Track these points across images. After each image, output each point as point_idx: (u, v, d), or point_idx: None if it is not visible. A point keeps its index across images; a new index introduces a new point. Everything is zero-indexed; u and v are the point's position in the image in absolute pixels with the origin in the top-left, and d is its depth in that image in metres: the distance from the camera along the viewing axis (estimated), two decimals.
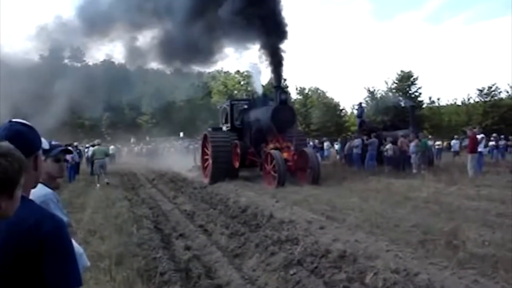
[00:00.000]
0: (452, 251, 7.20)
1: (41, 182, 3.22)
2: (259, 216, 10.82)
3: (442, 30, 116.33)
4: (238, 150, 20.44)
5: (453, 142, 34.61)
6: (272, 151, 18.10)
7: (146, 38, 27.20)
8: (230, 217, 11.44)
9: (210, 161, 21.23)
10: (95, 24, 26.31)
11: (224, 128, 23.22)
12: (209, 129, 23.78)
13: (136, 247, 8.55)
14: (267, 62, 20.14)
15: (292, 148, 18.60)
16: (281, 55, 19.76)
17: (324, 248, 7.41)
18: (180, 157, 34.46)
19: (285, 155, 18.03)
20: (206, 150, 22.26)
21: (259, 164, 19.87)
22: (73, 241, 3.22)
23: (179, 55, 25.91)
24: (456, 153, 32.78)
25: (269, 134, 19.58)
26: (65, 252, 2.04)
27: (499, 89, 63.90)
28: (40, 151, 2.26)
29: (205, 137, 22.70)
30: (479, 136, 21.76)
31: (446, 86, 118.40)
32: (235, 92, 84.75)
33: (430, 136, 28.98)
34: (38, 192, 3.21)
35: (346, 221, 9.99)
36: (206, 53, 25.07)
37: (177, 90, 68.53)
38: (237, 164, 20.62)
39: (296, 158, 18.35)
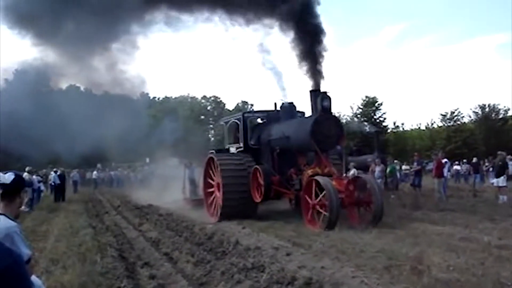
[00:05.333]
0: (417, 276, 7.25)
1: (2, 214, 3.18)
2: (225, 243, 10.73)
3: (404, 55, 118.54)
4: (260, 179, 15.65)
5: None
6: (318, 177, 13.36)
7: None
8: (196, 244, 11.32)
9: (219, 193, 16.48)
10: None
11: (233, 149, 18.44)
12: (212, 151, 18.77)
13: (100, 276, 8.36)
14: (299, 58, 15.31)
15: (344, 174, 14.49)
16: (320, 47, 15.02)
17: (290, 275, 7.36)
18: (156, 185, 29.08)
19: (334, 183, 13.15)
20: (210, 180, 17.67)
21: (293, 197, 15.33)
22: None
23: None
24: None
25: (302, 156, 15.60)
26: None
27: (461, 113, 65.44)
28: None
29: (209, 161, 17.66)
30: (443, 161, 22.14)
31: (410, 111, 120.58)
32: (202, 117, 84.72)
33: (396, 161, 29.23)
34: (2, 225, 3.17)
35: (312, 247, 9.99)
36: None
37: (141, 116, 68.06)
38: (258, 197, 15.82)
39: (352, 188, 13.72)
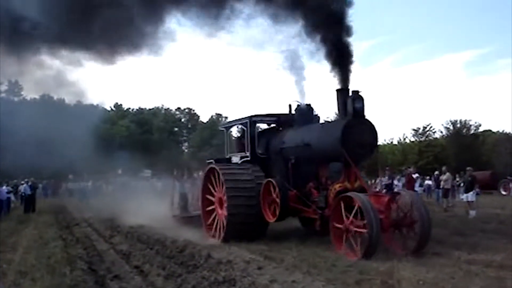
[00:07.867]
0: None
1: None
2: (197, 256, 10.68)
3: (376, 71, 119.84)
4: (274, 194, 13.18)
5: None
6: (353, 194, 10.89)
7: None
8: (167, 257, 11.23)
9: (223, 210, 14.11)
10: None
11: (236, 159, 15.56)
12: (211, 160, 15.93)
13: None
14: (324, 50, 12.85)
15: (383, 190, 12.03)
16: (346, 37, 12.47)
17: None
18: (133, 198, 25.08)
19: (372, 201, 10.68)
20: (210, 195, 15.01)
21: (318, 218, 12.24)
22: None
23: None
24: None
25: (324, 167, 13.25)
26: None
27: (433, 129, 66.40)
28: None
29: (210, 172, 14.90)
30: (414, 176, 22.47)
31: (382, 126, 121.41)
32: (175, 129, 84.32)
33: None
34: None
35: (284, 261, 9.99)
36: None
37: (115, 126, 67.86)
38: (271, 217, 13.36)
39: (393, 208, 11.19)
